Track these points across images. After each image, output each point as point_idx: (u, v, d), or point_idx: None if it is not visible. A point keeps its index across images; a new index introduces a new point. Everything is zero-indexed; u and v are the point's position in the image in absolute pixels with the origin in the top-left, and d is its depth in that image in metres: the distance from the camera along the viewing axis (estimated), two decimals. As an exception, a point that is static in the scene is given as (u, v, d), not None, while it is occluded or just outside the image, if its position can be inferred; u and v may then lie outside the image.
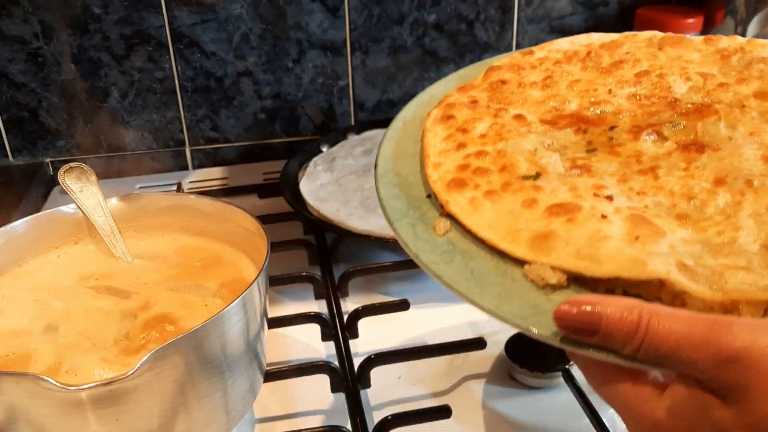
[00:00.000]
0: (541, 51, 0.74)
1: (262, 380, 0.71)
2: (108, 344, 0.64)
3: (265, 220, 0.73)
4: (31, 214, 0.76)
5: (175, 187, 1.29)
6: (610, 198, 0.53)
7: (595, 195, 0.53)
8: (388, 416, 0.73)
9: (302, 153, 1.21)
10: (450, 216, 0.56)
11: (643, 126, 0.61)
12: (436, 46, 1.35)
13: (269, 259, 0.67)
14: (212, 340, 0.60)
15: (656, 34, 0.73)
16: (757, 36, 1.25)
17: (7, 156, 1.32)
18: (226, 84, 1.32)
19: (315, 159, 1.19)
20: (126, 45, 1.26)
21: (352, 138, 1.26)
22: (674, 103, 0.64)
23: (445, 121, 0.65)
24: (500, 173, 0.58)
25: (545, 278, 0.48)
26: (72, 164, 0.78)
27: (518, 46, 1.37)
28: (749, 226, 0.49)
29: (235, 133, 1.36)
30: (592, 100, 0.66)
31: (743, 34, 1.26)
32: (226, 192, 1.25)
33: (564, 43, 0.74)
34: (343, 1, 1.28)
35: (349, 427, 0.75)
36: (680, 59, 0.69)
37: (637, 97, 0.65)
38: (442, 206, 0.57)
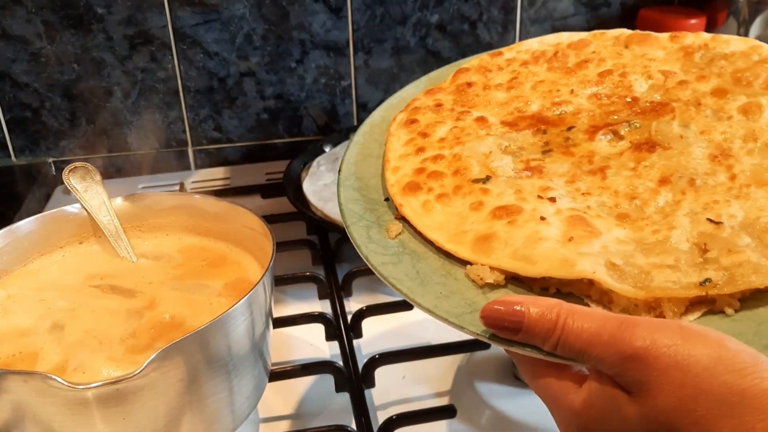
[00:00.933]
0: (510, 52, 0.76)
1: (267, 380, 0.71)
2: (114, 343, 0.64)
3: (268, 220, 0.73)
4: (33, 214, 0.76)
5: (177, 187, 1.29)
6: (553, 200, 0.55)
7: (539, 197, 0.56)
8: (392, 416, 0.73)
9: (305, 153, 1.21)
10: (404, 219, 0.59)
11: (600, 126, 0.63)
12: (439, 47, 1.35)
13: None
14: (218, 339, 0.60)
15: (623, 32, 0.74)
16: (758, 37, 1.25)
17: (10, 156, 1.32)
18: (229, 84, 1.32)
19: (318, 159, 1.19)
20: (129, 45, 1.26)
21: (355, 138, 1.26)
22: (633, 101, 0.65)
23: (408, 125, 0.68)
24: (453, 176, 0.60)
25: (484, 278, 0.51)
26: (77, 164, 0.78)
27: (520, 47, 1.37)
28: (684, 224, 0.51)
29: (238, 133, 1.37)
30: (555, 100, 0.68)
31: (746, 35, 1.26)
32: (229, 192, 1.25)
33: (533, 44, 0.75)
34: (346, 1, 1.28)
35: (353, 426, 0.75)
36: (644, 57, 0.70)
37: (598, 97, 0.67)
38: (397, 209, 0.59)
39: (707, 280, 0.46)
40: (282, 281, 0.95)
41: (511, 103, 0.69)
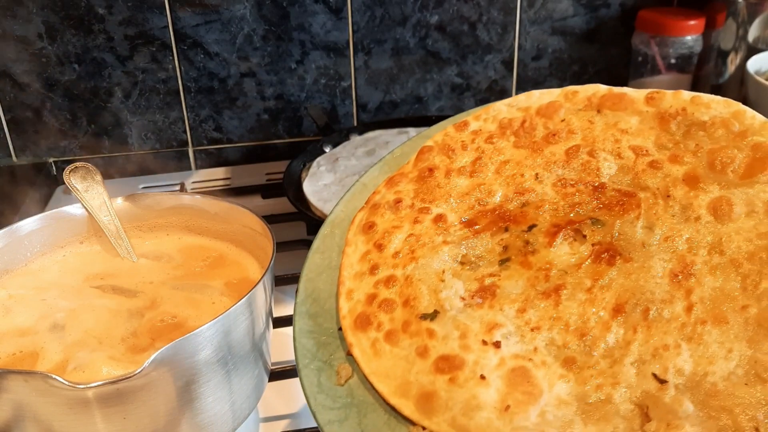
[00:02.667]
0: (476, 122, 0.71)
1: (267, 379, 0.72)
2: (115, 342, 0.64)
3: (268, 220, 0.73)
4: (34, 214, 0.76)
5: (178, 188, 1.29)
6: (497, 345, 0.53)
7: (484, 342, 0.54)
8: (392, 416, 0.73)
9: (305, 153, 1.22)
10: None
11: (562, 225, 0.60)
12: (439, 48, 1.35)
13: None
14: (218, 339, 0.60)
15: (597, 92, 0.68)
16: (758, 38, 1.26)
17: (10, 156, 1.32)
18: (230, 85, 1.32)
19: (318, 159, 1.19)
20: (129, 45, 1.26)
21: (355, 139, 1.26)
22: (600, 188, 0.62)
23: (366, 232, 0.66)
24: (403, 308, 0.58)
25: None
26: (77, 164, 0.78)
27: (520, 48, 1.38)
28: (629, 378, 0.50)
29: (238, 133, 1.37)
30: (518, 189, 0.65)
31: (745, 36, 1.26)
32: (229, 192, 1.25)
33: (502, 108, 0.71)
34: (346, 2, 1.29)
35: None
36: (616, 127, 0.65)
37: (564, 184, 0.64)
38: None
39: None
40: (281, 281, 0.95)
41: (473, 194, 0.66)
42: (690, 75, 1.33)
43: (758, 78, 1.16)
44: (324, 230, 0.69)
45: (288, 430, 0.76)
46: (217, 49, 1.29)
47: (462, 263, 0.61)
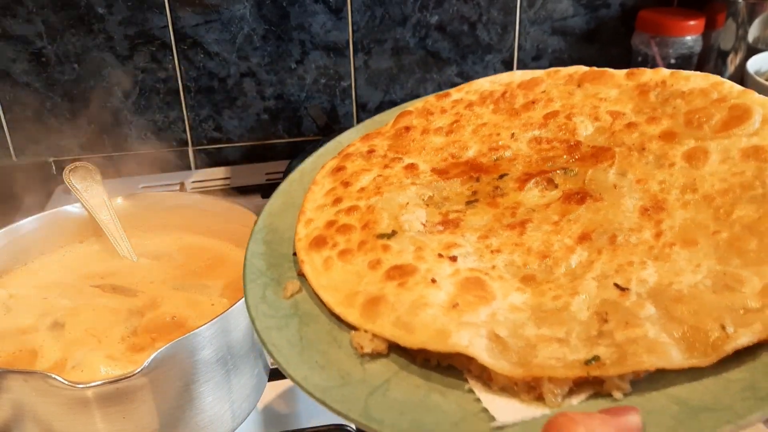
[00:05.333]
0: (458, 93, 0.71)
1: (266, 379, 0.72)
2: (114, 341, 0.64)
3: (269, 219, 0.73)
4: (34, 213, 0.76)
5: (177, 187, 1.29)
6: (454, 259, 0.51)
7: (440, 255, 0.52)
8: (391, 415, 0.73)
9: (305, 153, 1.21)
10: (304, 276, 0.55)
11: (534, 173, 0.59)
12: (439, 48, 1.35)
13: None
14: (218, 339, 0.60)
15: (579, 70, 0.68)
16: (758, 39, 1.26)
17: (10, 155, 1.32)
18: (229, 84, 1.32)
19: (318, 159, 1.19)
20: (129, 45, 1.26)
21: (355, 139, 1.26)
22: (575, 146, 0.61)
23: (334, 174, 0.64)
24: (362, 231, 0.56)
25: (363, 347, 0.47)
26: (77, 163, 0.79)
27: (520, 48, 1.38)
28: (589, 290, 0.47)
29: (238, 133, 1.37)
30: (493, 145, 0.64)
31: (745, 37, 1.27)
32: (228, 192, 1.25)
33: (484, 83, 0.71)
34: (346, 2, 1.29)
35: (353, 426, 0.75)
36: (595, 97, 0.65)
37: (539, 141, 0.63)
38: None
39: (595, 357, 0.42)
40: (282, 281, 0.95)
41: (447, 149, 0.64)
42: (690, 75, 1.33)
43: (758, 78, 1.16)
44: (293, 175, 0.68)
45: (288, 429, 0.76)
46: (217, 49, 1.29)
47: (428, 204, 0.59)
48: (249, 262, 0.57)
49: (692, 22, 1.28)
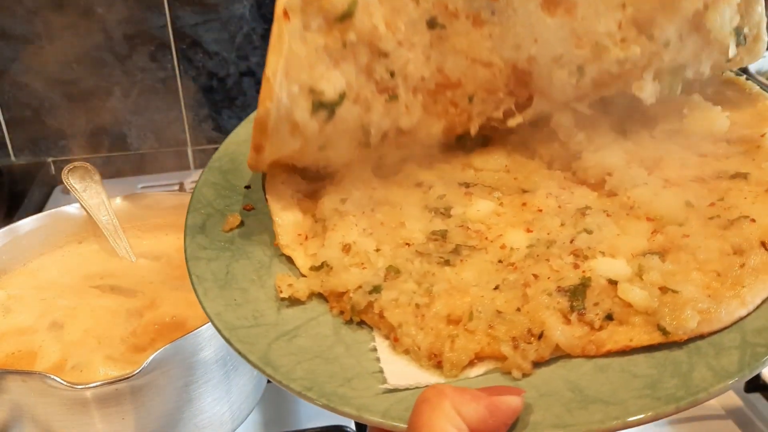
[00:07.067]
0: None
1: (266, 380, 0.71)
2: (114, 342, 0.64)
3: (269, 219, 0.73)
4: (33, 213, 0.76)
5: (177, 187, 1.29)
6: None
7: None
8: (391, 415, 0.73)
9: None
10: (251, 210, 0.54)
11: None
12: (438, 47, 1.35)
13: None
14: (217, 339, 0.60)
15: None
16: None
17: (9, 155, 1.32)
18: (229, 84, 1.32)
19: (317, 159, 1.19)
20: (129, 45, 1.26)
21: (355, 138, 1.26)
22: None
23: None
24: None
25: (283, 290, 0.47)
26: (76, 163, 0.78)
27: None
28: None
29: (237, 133, 1.37)
30: None
31: (745, 36, 1.26)
32: (228, 192, 1.25)
33: None
34: (346, 1, 1.28)
35: (352, 426, 0.75)
36: None
37: None
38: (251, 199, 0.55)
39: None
40: (281, 281, 0.95)
41: None
42: (690, 74, 1.32)
43: (758, 78, 1.16)
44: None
45: (287, 430, 0.76)
46: (217, 49, 1.29)
47: None
48: (198, 191, 0.56)
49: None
